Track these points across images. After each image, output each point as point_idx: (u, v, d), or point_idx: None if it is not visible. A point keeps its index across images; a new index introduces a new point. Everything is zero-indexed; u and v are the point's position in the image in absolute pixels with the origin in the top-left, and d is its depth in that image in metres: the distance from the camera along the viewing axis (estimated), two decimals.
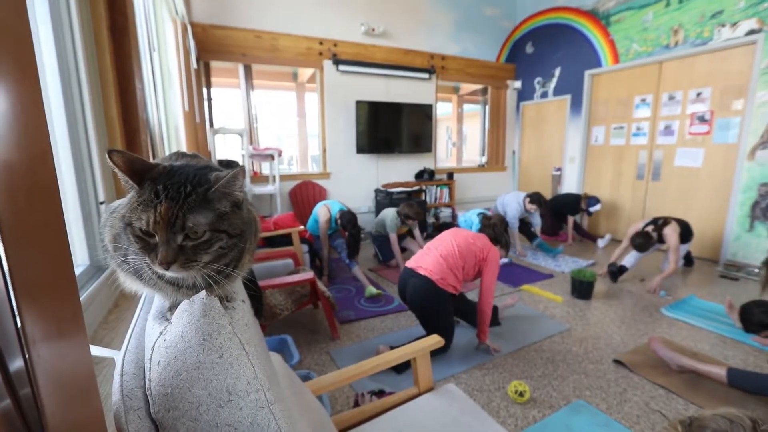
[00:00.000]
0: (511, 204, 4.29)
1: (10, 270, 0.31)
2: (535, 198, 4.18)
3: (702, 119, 3.93)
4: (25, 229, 0.33)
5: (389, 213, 3.62)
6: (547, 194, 5.71)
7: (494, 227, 2.38)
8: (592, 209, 4.60)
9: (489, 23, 5.71)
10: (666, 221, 3.24)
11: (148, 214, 0.48)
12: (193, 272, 0.51)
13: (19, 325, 0.33)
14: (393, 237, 3.55)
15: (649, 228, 3.27)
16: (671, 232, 3.16)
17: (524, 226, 4.39)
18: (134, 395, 0.47)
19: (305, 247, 3.43)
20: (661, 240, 3.23)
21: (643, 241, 3.21)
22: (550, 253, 4.14)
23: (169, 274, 0.50)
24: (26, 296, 0.32)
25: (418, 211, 3.55)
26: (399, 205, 4.00)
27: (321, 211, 3.40)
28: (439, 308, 2.17)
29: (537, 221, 4.40)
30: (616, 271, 3.36)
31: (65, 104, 1.00)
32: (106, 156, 0.48)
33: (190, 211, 0.49)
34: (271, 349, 1.15)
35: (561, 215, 4.79)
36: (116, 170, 0.48)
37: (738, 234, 3.68)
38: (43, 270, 0.36)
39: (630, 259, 3.40)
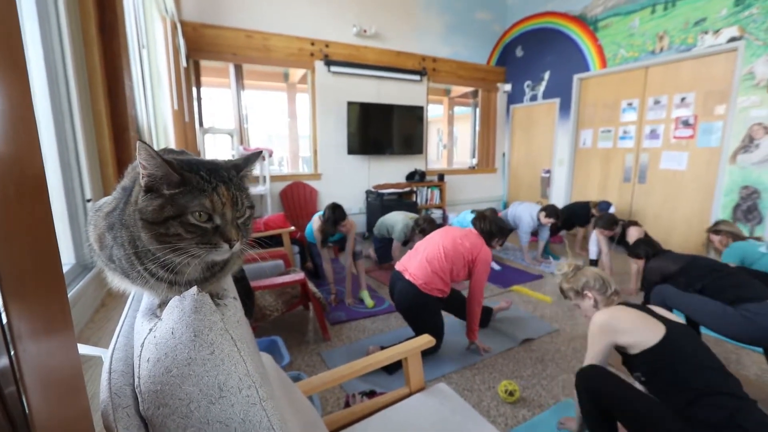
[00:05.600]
0: (524, 218, 4.06)
1: None
2: (551, 211, 3.92)
3: (686, 123, 4.02)
4: (13, 221, 0.32)
5: (399, 219, 3.51)
6: (536, 196, 5.78)
7: (487, 220, 2.32)
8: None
9: (480, 27, 5.77)
10: (637, 223, 3.33)
11: (212, 198, 0.49)
12: (243, 247, 0.55)
13: (4, 321, 0.32)
14: (397, 244, 3.51)
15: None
16: (634, 231, 3.20)
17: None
18: (123, 393, 0.46)
19: (296, 248, 3.40)
20: (623, 235, 3.32)
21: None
22: (554, 258, 4.12)
23: (231, 252, 0.52)
24: (12, 291, 0.32)
25: (438, 227, 3.45)
26: (394, 208, 3.98)
27: (315, 222, 3.11)
28: (423, 313, 2.15)
29: (545, 235, 4.13)
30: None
31: (51, 101, 0.99)
32: (137, 149, 0.46)
33: (240, 191, 0.54)
34: (260, 351, 1.14)
35: (570, 226, 4.56)
36: (147, 162, 0.47)
37: None
38: (30, 264, 0.35)
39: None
